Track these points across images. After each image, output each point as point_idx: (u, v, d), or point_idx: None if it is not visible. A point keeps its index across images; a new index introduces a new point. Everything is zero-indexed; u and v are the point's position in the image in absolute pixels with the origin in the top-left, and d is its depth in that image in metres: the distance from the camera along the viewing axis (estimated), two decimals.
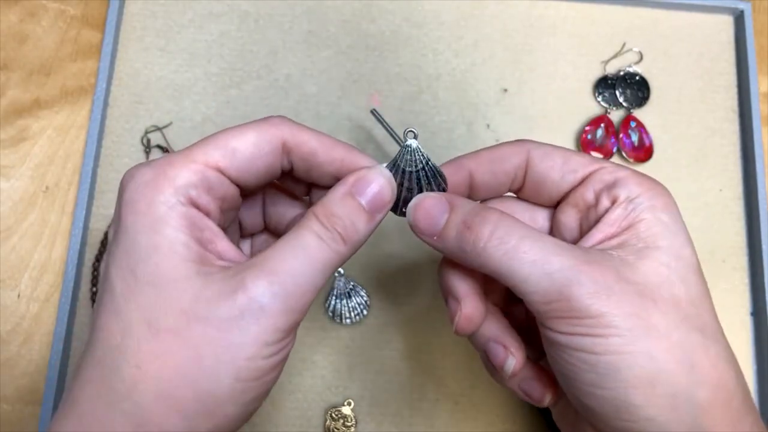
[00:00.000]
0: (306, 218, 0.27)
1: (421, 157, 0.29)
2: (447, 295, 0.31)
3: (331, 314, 0.44)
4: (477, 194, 0.32)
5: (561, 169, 0.30)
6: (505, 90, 0.50)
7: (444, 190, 0.30)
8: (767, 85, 0.51)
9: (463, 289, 0.30)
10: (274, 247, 0.26)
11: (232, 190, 0.27)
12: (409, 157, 0.29)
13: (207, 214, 0.26)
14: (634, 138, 0.48)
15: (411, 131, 0.29)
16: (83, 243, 0.45)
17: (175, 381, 0.23)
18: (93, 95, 0.47)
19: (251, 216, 0.32)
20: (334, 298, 0.44)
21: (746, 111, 0.49)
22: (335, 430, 0.42)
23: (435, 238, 0.28)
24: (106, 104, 0.47)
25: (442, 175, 0.30)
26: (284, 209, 0.32)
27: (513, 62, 0.50)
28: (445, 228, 0.28)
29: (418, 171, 0.29)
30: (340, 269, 0.45)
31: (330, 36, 0.50)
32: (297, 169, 0.29)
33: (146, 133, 0.47)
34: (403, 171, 0.29)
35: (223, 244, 0.26)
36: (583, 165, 0.30)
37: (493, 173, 0.31)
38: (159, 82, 0.48)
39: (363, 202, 0.27)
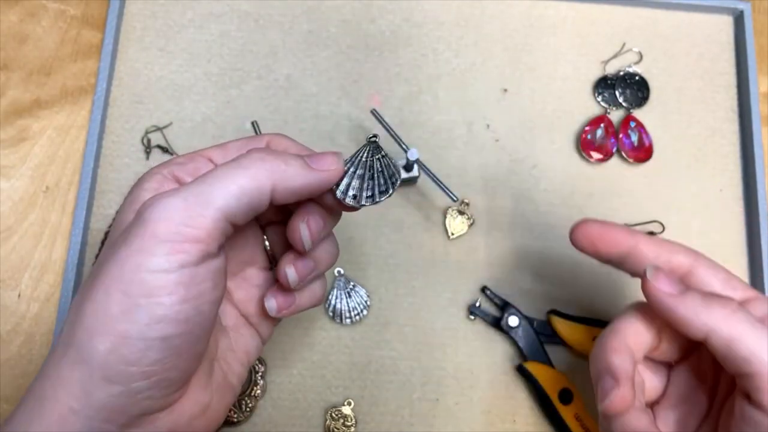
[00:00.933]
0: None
1: (377, 152, 0.31)
2: (603, 372, 0.31)
3: (331, 314, 0.44)
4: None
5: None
6: (505, 90, 0.50)
7: (394, 183, 0.31)
8: (767, 85, 0.51)
9: (625, 370, 0.30)
10: None
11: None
12: (368, 149, 0.31)
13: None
14: (634, 138, 0.48)
15: (374, 136, 0.32)
16: (83, 243, 0.45)
17: (84, 299, 0.25)
18: (93, 95, 0.47)
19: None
20: (334, 298, 0.44)
21: (746, 111, 0.49)
22: (335, 430, 0.42)
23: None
24: (106, 104, 0.47)
25: (395, 167, 0.32)
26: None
27: (513, 62, 0.50)
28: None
29: (372, 160, 0.31)
30: (339, 269, 0.45)
31: (330, 36, 0.50)
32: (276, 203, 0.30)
33: (146, 133, 0.47)
34: (360, 160, 0.31)
35: None
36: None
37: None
38: (159, 82, 0.48)
39: (306, 159, 0.28)
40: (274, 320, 0.34)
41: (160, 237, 0.24)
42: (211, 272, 0.26)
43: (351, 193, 0.31)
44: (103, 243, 0.45)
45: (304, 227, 0.30)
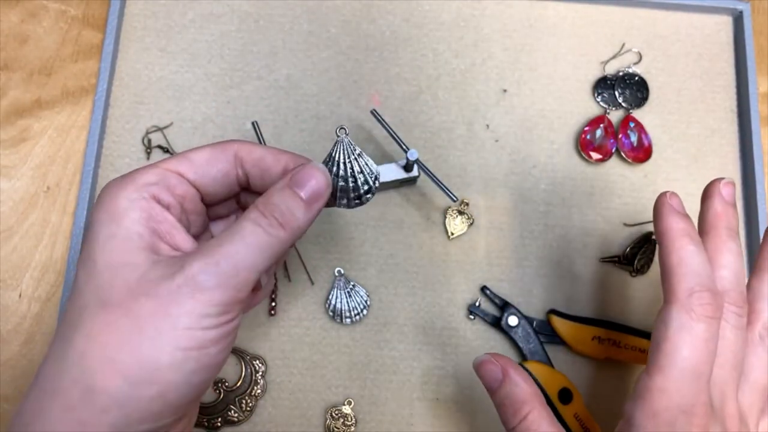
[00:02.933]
0: (247, 210, 0.29)
1: (352, 151, 0.32)
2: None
3: (331, 314, 0.44)
4: None
5: None
6: (505, 90, 0.50)
7: (377, 179, 0.33)
8: (766, 86, 0.51)
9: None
10: (215, 237, 0.28)
11: (192, 191, 0.31)
12: (342, 149, 0.32)
13: (167, 207, 0.30)
14: (633, 138, 0.48)
15: (342, 128, 0.32)
16: None
17: (119, 347, 0.26)
18: (94, 95, 0.47)
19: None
20: (334, 298, 0.44)
21: (745, 111, 0.49)
22: (335, 429, 0.42)
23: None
24: (107, 104, 0.47)
25: (372, 167, 0.33)
26: None
27: (513, 62, 0.50)
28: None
29: (351, 162, 0.32)
30: (340, 269, 0.45)
31: (330, 36, 0.50)
32: (253, 179, 0.32)
33: (147, 133, 0.47)
34: (338, 164, 0.32)
35: (180, 236, 0.29)
36: None
37: None
38: (160, 83, 0.48)
39: (301, 193, 0.30)
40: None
41: (215, 301, 0.27)
42: (240, 318, 0.29)
43: (342, 199, 0.33)
44: None
45: (264, 276, 0.32)
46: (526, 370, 0.42)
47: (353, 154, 0.32)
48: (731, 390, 0.31)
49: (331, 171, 0.32)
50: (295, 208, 0.29)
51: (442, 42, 0.50)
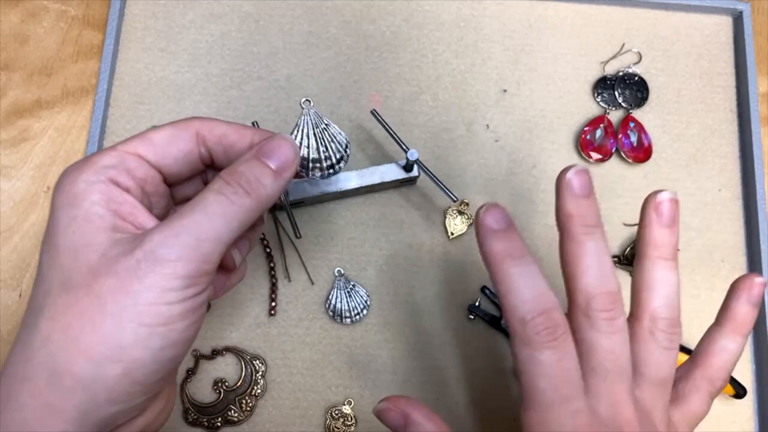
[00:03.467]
0: (211, 182, 0.29)
1: (320, 121, 0.32)
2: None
3: (331, 314, 0.44)
4: None
5: None
6: (505, 90, 0.50)
7: (347, 146, 0.34)
8: (766, 86, 0.51)
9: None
10: (177, 210, 0.28)
11: (153, 173, 0.30)
12: (309, 120, 0.32)
13: (127, 190, 0.29)
14: (633, 138, 0.48)
15: (307, 100, 0.34)
16: None
17: (81, 328, 0.25)
18: (94, 95, 0.48)
19: None
20: (334, 298, 0.44)
21: (745, 111, 0.49)
22: (335, 429, 0.42)
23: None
24: (107, 104, 0.47)
25: (341, 135, 0.34)
26: None
27: (512, 63, 0.50)
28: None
29: (319, 132, 0.32)
30: (340, 269, 0.45)
31: (330, 37, 0.50)
32: (216, 157, 0.32)
33: None
34: (306, 135, 0.32)
35: (143, 216, 0.29)
36: None
37: None
38: (160, 83, 0.48)
39: (269, 162, 0.29)
40: None
41: (178, 273, 0.26)
42: (208, 293, 0.28)
43: (315, 170, 0.33)
44: None
45: (236, 252, 0.32)
46: None
47: (321, 125, 0.32)
48: (622, 396, 0.29)
49: (300, 143, 0.32)
50: (262, 176, 0.29)
51: (442, 42, 0.50)
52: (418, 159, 0.43)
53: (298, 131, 0.32)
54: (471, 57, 0.50)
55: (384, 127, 0.44)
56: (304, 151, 0.33)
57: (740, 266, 0.47)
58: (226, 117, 0.48)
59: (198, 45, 0.49)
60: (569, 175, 0.31)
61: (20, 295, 0.44)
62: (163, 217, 0.32)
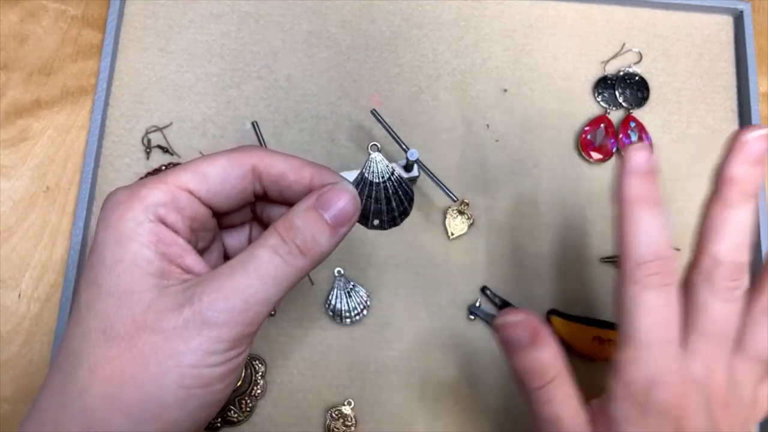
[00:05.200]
0: (266, 233, 0.27)
1: (386, 169, 0.29)
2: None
3: (331, 314, 0.44)
4: None
5: None
6: (505, 90, 0.50)
7: (411, 200, 0.31)
8: (767, 86, 0.51)
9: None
10: (228, 263, 0.27)
11: (203, 211, 0.29)
12: (374, 168, 0.29)
13: (176, 231, 0.27)
14: (634, 138, 0.48)
15: (375, 145, 0.30)
16: (84, 243, 0.45)
17: (122, 384, 0.25)
18: (93, 95, 0.47)
19: (239, 245, 0.34)
20: (334, 298, 0.44)
21: (746, 111, 0.49)
22: (335, 429, 0.42)
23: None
24: (106, 104, 0.47)
25: (408, 185, 0.31)
26: None
27: (513, 62, 0.50)
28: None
29: (384, 182, 0.30)
30: (340, 269, 0.45)
31: (330, 36, 0.50)
32: (270, 194, 0.30)
33: (147, 133, 0.47)
34: (370, 183, 0.30)
35: (191, 258, 0.28)
36: None
37: None
38: (159, 83, 0.48)
39: (326, 216, 0.28)
40: None
41: (224, 338, 0.25)
42: (247, 351, 0.28)
43: (375, 221, 0.31)
44: None
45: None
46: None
47: (387, 173, 0.30)
48: (719, 362, 0.30)
49: (363, 192, 0.30)
50: (318, 234, 0.27)
51: (442, 42, 0.50)
52: (418, 159, 0.42)
53: (362, 180, 0.30)
54: (471, 57, 0.50)
55: (384, 127, 0.44)
56: (366, 202, 0.30)
57: None
58: (226, 117, 0.48)
59: (198, 45, 0.49)
60: (750, 136, 0.30)
61: (20, 295, 0.44)
62: (207, 248, 0.31)
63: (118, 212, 0.27)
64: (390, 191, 0.30)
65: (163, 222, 0.27)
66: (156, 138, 0.47)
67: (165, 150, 0.47)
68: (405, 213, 0.31)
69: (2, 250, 0.45)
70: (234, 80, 0.48)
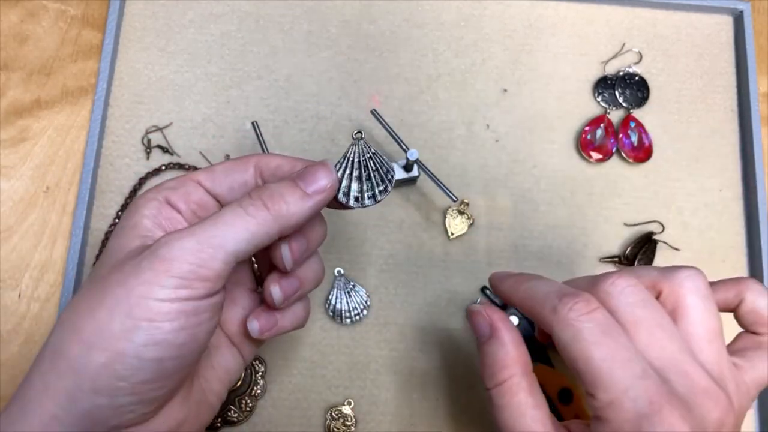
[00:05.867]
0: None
1: (367, 149, 0.32)
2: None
3: (331, 314, 0.44)
4: None
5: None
6: (505, 90, 0.50)
7: (391, 180, 0.33)
8: (767, 86, 0.51)
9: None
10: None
11: (207, 199, 0.32)
12: (357, 149, 0.32)
13: (178, 211, 0.31)
14: (634, 138, 0.48)
15: (359, 132, 0.32)
16: (84, 243, 0.45)
17: (83, 315, 0.27)
18: (93, 95, 0.47)
19: None
20: (334, 298, 0.44)
21: (746, 111, 0.49)
22: (335, 429, 0.42)
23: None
24: (106, 104, 0.47)
25: (389, 164, 0.33)
26: None
27: (513, 62, 0.50)
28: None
29: (366, 161, 0.32)
30: (340, 269, 0.45)
31: (330, 36, 0.50)
32: None
33: (147, 133, 0.47)
34: (352, 162, 0.32)
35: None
36: None
37: None
38: (159, 83, 0.48)
39: (300, 183, 0.30)
40: (257, 342, 0.36)
41: (172, 272, 0.27)
42: (211, 305, 0.28)
43: (353, 195, 0.32)
44: (103, 243, 0.45)
45: (286, 248, 0.31)
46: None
47: (368, 153, 0.32)
48: (685, 362, 0.28)
49: (345, 170, 0.32)
50: (287, 194, 0.29)
51: (442, 42, 0.50)
52: (418, 159, 0.42)
53: (345, 160, 0.32)
54: (471, 57, 0.50)
55: (384, 127, 0.44)
56: (346, 182, 0.32)
57: (741, 266, 0.47)
58: (226, 116, 0.48)
59: (197, 45, 0.49)
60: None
61: (19, 295, 0.44)
62: None
63: (143, 196, 0.31)
64: (371, 169, 0.32)
65: (168, 202, 0.31)
66: (156, 138, 0.47)
67: (165, 150, 0.47)
68: (386, 190, 0.33)
69: (2, 250, 0.45)
70: (234, 80, 0.48)
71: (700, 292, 0.30)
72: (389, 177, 0.33)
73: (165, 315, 0.26)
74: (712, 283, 0.32)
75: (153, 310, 0.26)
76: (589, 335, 0.27)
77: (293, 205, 0.29)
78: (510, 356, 0.30)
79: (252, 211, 0.28)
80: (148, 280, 0.26)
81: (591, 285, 0.30)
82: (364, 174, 0.32)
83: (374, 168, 0.32)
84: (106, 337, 0.26)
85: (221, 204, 0.32)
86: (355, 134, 0.32)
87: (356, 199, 0.32)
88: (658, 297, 0.30)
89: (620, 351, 0.27)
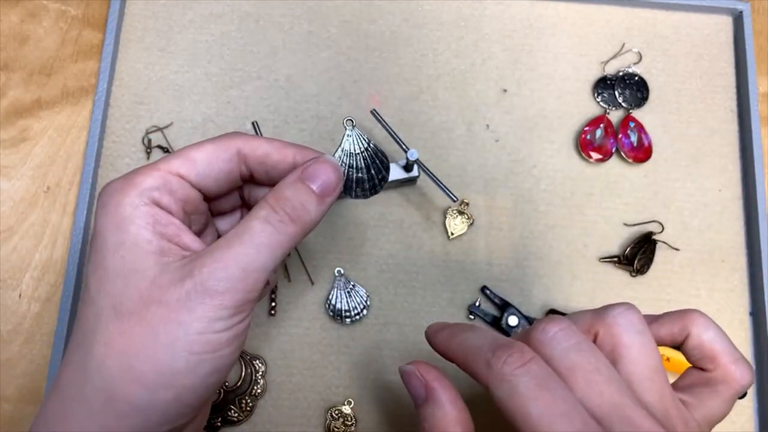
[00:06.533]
0: (257, 206, 0.29)
1: (363, 141, 0.32)
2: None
3: (331, 314, 0.44)
4: None
5: None
6: (505, 90, 0.50)
7: (387, 167, 0.34)
8: (766, 86, 0.51)
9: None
10: (224, 237, 0.28)
11: (194, 194, 0.30)
12: (353, 140, 0.32)
13: (170, 212, 0.29)
14: (633, 138, 0.48)
15: (350, 120, 0.32)
16: (84, 243, 0.45)
17: (135, 355, 0.26)
18: (94, 95, 0.47)
19: (231, 229, 0.35)
20: (334, 298, 0.44)
21: (745, 111, 0.49)
22: (335, 429, 0.42)
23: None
24: (107, 104, 0.47)
25: (384, 154, 0.34)
26: None
27: (512, 62, 0.50)
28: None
29: (363, 152, 0.32)
30: (339, 269, 0.45)
31: (330, 36, 0.50)
32: (257, 175, 0.32)
33: (147, 133, 0.47)
34: (350, 154, 0.32)
35: (188, 237, 0.29)
36: None
37: None
38: (160, 83, 0.48)
39: (313, 186, 0.30)
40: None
41: (226, 305, 0.27)
42: (251, 317, 0.29)
43: (357, 190, 0.33)
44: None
45: (272, 272, 0.31)
46: None
47: (364, 144, 0.32)
48: (627, 406, 0.26)
49: (343, 163, 0.32)
50: (307, 202, 0.29)
51: (442, 42, 0.50)
52: (418, 159, 0.42)
53: (341, 151, 0.32)
54: (471, 57, 0.50)
55: (384, 126, 0.44)
56: (347, 172, 0.32)
57: (740, 266, 0.47)
58: (226, 117, 0.48)
59: (198, 45, 0.49)
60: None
61: (20, 295, 0.44)
62: (201, 232, 0.33)
63: (115, 199, 0.28)
64: (369, 160, 0.33)
65: (158, 204, 0.29)
66: (156, 138, 0.47)
67: (165, 150, 0.47)
68: (384, 180, 0.34)
69: (2, 250, 0.45)
70: (234, 80, 0.49)
71: (635, 327, 0.28)
72: (386, 165, 0.33)
73: (225, 343, 0.27)
74: (656, 317, 0.31)
75: (214, 342, 0.27)
76: (525, 389, 0.26)
77: (314, 212, 0.30)
78: (449, 417, 0.29)
79: (282, 229, 0.28)
80: (203, 315, 0.26)
81: (524, 334, 0.29)
82: (363, 166, 0.33)
83: (372, 158, 0.33)
84: (171, 376, 0.26)
85: (204, 194, 0.31)
86: (346, 121, 0.32)
87: (361, 192, 0.33)
88: (595, 340, 0.29)
89: (558, 404, 0.25)
